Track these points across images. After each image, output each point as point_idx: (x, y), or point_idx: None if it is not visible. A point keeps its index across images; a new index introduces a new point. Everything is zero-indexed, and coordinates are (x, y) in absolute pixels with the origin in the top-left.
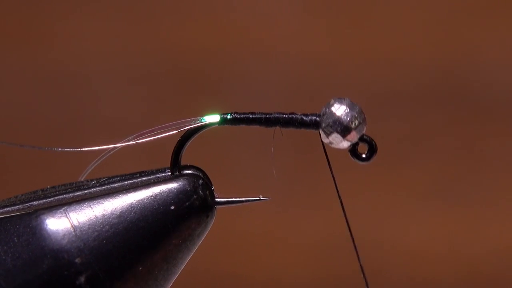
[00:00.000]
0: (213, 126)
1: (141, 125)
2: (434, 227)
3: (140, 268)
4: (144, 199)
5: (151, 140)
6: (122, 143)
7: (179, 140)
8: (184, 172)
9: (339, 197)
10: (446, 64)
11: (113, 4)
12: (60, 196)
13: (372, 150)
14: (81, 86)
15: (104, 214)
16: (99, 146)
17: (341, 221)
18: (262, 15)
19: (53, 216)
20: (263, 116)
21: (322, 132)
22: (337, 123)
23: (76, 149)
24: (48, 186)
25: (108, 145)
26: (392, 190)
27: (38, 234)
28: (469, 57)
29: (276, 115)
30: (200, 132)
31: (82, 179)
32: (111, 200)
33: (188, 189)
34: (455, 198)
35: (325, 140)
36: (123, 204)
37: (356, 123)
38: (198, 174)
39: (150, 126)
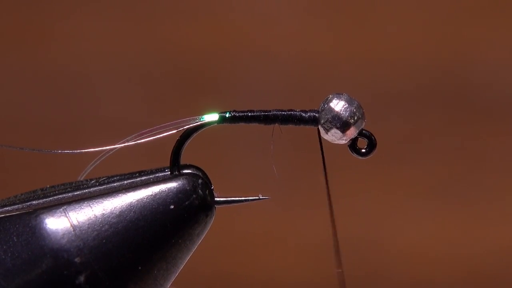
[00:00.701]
0: (212, 125)
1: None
2: (433, 227)
3: (140, 268)
4: (144, 198)
5: (150, 140)
6: (120, 144)
7: (178, 139)
8: (184, 171)
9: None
10: (446, 64)
11: (113, 4)
12: (60, 196)
13: (372, 144)
14: (81, 86)
15: (103, 213)
16: (98, 148)
17: (341, 221)
18: (262, 15)
19: (52, 216)
20: (262, 113)
21: (321, 128)
22: (336, 118)
23: (75, 151)
24: (48, 186)
25: (108, 145)
26: (392, 190)
27: (37, 233)
28: (469, 57)
29: (274, 112)
30: (199, 131)
31: (81, 179)
32: (110, 199)
33: (188, 188)
34: (455, 198)
35: (325, 136)
36: (123, 204)
37: (355, 118)
38: (197, 173)
39: (150, 126)
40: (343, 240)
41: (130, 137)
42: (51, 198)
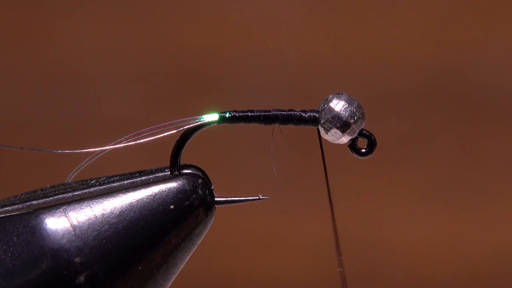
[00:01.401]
0: (212, 125)
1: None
2: (434, 227)
3: (140, 268)
4: (144, 198)
5: (150, 140)
6: (119, 144)
7: (178, 139)
8: (184, 171)
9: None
10: (446, 64)
11: (113, 4)
12: (60, 196)
13: (372, 144)
14: (81, 86)
15: (103, 213)
16: (97, 148)
17: (341, 220)
18: (262, 15)
19: (52, 216)
20: (262, 113)
21: (321, 128)
22: (336, 118)
23: (75, 151)
24: (48, 186)
25: (108, 144)
26: (392, 189)
27: (37, 233)
28: (469, 57)
29: (274, 112)
30: (199, 131)
31: (71, 178)
32: (110, 199)
33: (188, 188)
34: (455, 198)
35: (325, 136)
36: (123, 204)
37: (355, 118)
38: (197, 173)
39: (150, 126)
40: (343, 240)
41: (128, 135)
42: (51, 198)
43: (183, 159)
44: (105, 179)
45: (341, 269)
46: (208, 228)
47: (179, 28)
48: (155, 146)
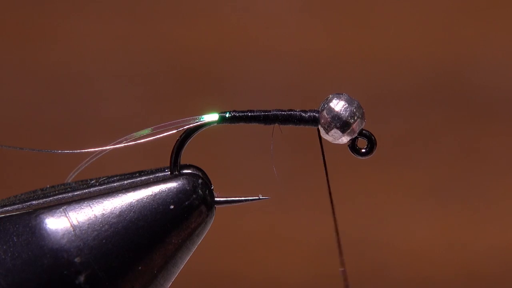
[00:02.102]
0: (212, 125)
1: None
2: (434, 227)
3: (140, 268)
4: (144, 198)
5: (150, 140)
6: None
7: (178, 139)
8: (184, 171)
9: (329, 192)
10: (446, 64)
11: (114, 4)
12: (60, 196)
13: (372, 144)
14: (81, 86)
15: (103, 213)
16: (97, 148)
17: (341, 220)
18: (262, 15)
19: (52, 216)
20: (262, 113)
21: (321, 128)
22: (336, 118)
23: (75, 151)
24: (48, 186)
25: (108, 144)
26: (392, 190)
27: (37, 233)
28: (469, 57)
29: (274, 112)
30: (199, 131)
31: (71, 178)
32: (110, 199)
33: (188, 188)
34: (455, 198)
35: (325, 136)
36: (123, 204)
37: (355, 118)
38: (197, 173)
39: (150, 126)
40: (343, 240)
41: (128, 136)
42: (51, 198)
43: (183, 159)
44: (105, 179)
45: (342, 269)
46: (208, 228)
47: (179, 28)
48: (155, 146)
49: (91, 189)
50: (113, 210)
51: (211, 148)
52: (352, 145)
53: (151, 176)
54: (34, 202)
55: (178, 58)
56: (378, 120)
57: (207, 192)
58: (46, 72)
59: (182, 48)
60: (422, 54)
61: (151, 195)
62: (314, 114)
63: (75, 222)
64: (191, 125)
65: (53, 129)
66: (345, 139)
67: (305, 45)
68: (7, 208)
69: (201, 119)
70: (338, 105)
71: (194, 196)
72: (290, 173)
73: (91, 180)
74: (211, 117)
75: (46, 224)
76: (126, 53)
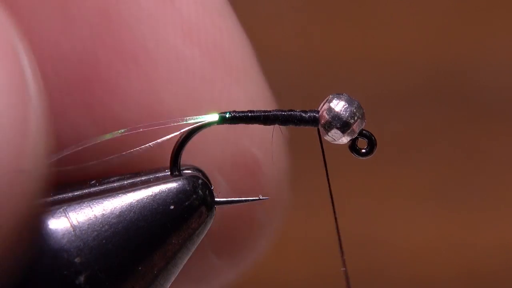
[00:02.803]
0: (212, 125)
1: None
2: (434, 226)
3: (140, 268)
4: (144, 198)
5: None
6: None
7: (178, 140)
8: (184, 172)
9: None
10: (447, 65)
11: None
12: (60, 196)
13: (372, 144)
14: None
15: (103, 213)
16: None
17: (341, 220)
18: (262, 15)
19: (52, 216)
20: (262, 114)
21: (322, 128)
22: (336, 118)
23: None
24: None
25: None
26: (392, 189)
27: (37, 233)
28: (470, 57)
29: (275, 112)
30: (199, 131)
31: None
32: (110, 199)
33: (188, 189)
34: (455, 198)
35: (325, 136)
36: (123, 204)
37: (355, 118)
38: (197, 174)
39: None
40: (344, 239)
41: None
42: (51, 198)
43: (183, 159)
44: (105, 179)
45: (344, 268)
46: (208, 228)
47: None
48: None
49: (91, 189)
50: (113, 211)
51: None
52: (352, 145)
53: (151, 176)
54: None
55: None
56: (378, 120)
57: (207, 192)
58: None
59: None
60: (422, 54)
61: (151, 196)
62: (314, 114)
63: (75, 222)
64: (191, 125)
65: None
66: (345, 139)
67: (305, 45)
68: None
69: (201, 119)
70: (338, 105)
71: (194, 196)
72: (290, 173)
73: (91, 180)
74: (211, 117)
75: (46, 224)
76: None
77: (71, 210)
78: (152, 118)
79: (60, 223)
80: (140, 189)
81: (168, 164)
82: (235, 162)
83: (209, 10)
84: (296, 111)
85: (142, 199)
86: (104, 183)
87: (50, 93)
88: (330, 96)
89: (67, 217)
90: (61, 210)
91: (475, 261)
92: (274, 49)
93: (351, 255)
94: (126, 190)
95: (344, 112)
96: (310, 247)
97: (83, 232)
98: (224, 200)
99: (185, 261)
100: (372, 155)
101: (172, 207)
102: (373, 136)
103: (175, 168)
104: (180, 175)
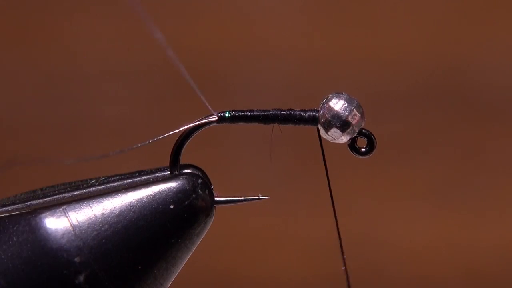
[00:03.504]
0: (212, 125)
1: (141, 125)
2: (434, 226)
3: (139, 267)
4: (143, 198)
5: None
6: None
7: (178, 139)
8: (183, 171)
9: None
10: (446, 64)
11: (114, 4)
12: (59, 195)
13: (372, 143)
14: (81, 86)
15: (103, 213)
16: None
17: (341, 220)
18: (262, 15)
19: (52, 215)
20: (261, 113)
21: (321, 128)
22: (336, 117)
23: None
24: (48, 186)
25: (108, 144)
26: (392, 189)
27: (37, 233)
28: (469, 57)
29: (274, 111)
30: (199, 131)
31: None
32: (110, 199)
33: (187, 188)
34: (454, 198)
35: (324, 136)
36: (122, 203)
37: (355, 117)
38: (197, 173)
39: (150, 125)
40: (343, 239)
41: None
42: (51, 198)
43: (183, 159)
44: (105, 179)
45: (344, 268)
46: (208, 228)
47: (179, 28)
48: (155, 146)
49: (91, 189)
50: (113, 210)
51: (211, 148)
52: (352, 145)
53: (150, 176)
54: (34, 202)
55: (179, 58)
56: (378, 119)
57: (207, 192)
58: (46, 72)
59: (182, 48)
60: (422, 54)
61: (150, 195)
62: (314, 113)
63: (75, 222)
64: (191, 124)
65: (53, 128)
66: (345, 139)
67: (305, 45)
68: (7, 208)
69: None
70: (337, 104)
71: (194, 196)
72: (290, 172)
73: (91, 180)
74: (211, 116)
75: (46, 224)
76: (126, 53)
77: (71, 210)
78: None
79: (59, 223)
80: (139, 188)
81: (168, 163)
82: None
83: None
84: (295, 110)
85: (141, 199)
86: (103, 183)
87: None
88: (330, 95)
89: (67, 217)
90: (61, 209)
91: (475, 261)
92: (274, 49)
93: (351, 255)
94: (126, 189)
95: (343, 111)
96: (310, 247)
97: (83, 231)
98: (223, 200)
99: (185, 261)
100: (371, 154)
101: (171, 206)
102: (373, 135)
103: (174, 167)
104: (179, 174)
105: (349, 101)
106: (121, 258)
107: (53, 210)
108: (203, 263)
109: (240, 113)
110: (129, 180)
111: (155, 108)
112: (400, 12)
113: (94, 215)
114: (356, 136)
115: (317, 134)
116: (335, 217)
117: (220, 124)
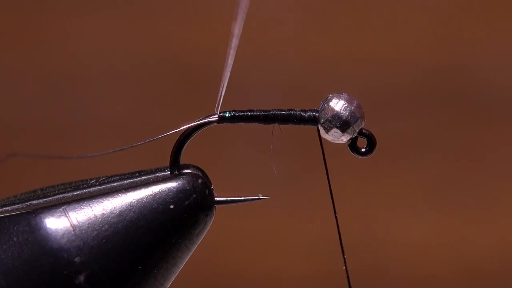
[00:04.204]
0: (212, 125)
1: (141, 125)
2: (434, 226)
3: (139, 267)
4: (144, 198)
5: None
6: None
7: (178, 139)
8: (184, 171)
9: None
10: (446, 64)
11: (113, 4)
12: (60, 195)
13: (372, 144)
14: (81, 86)
15: (103, 213)
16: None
17: (341, 220)
18: (262, 15)
19: (52, 215)
20: (262, 113)
21: (321, 128)
22: (336, 118)
23: (81, 156)
24: (48, 186)
25: (108, 144)
26: (392, 189)
27: (37, 233)
28: (469, 57)
29: (274, 111)
30: (199, 131)
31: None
32: (110, 199)
33: (188, 188)
34: (455, 197)
35: (325, 136)
36: (123, 203)
37: (355, 118)
38: (197, 173)
39: (150, 125)
40: (343, 239)
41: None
42: (51, 198)
43: (183, 158)
44: (105, 179)
45: (345, 267)
46: (208, 228)
47: (179, 28)
48: (155, 145)
49: (91, 189)
50: (113, 210)
51: (211, 148)
52: (352, 145)
53: (151, 176)
54: (34, 202)
55: (178, 58)
56: (378, 119)
57: (207, 192)
58: (46, 72)
59: (182, 48)
60: (422, 54)
61: (151, 195)
62: (314, 113)
63: (75, 222)
64: (191, 124)
65: (53, 128)
66: (345, 139)
67: (305, 45)
68: (7, 208)
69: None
70: (338, 104)
71: (194, 196)
72: (290, 172)
73: (91, 180)
74: (211, 116)
75: (46, 223)
76: (126, 53)
77: (71, 210)
78: None
79: (60, 223)
80: (140, 188)
81: (168, 163)
82: None
83: None
84: (296, 110)
85: (142, 199)
86: (104, 183)
87: None
88: (330, 95)
89: (67, 217)
90: (61, 209)
91: (475, 261)
92: (274, 49)
93: (351, 255)
94: (126, 189)
95: (344, 111)
96: (310, 247)
97: (83, 231)
98: (224, 200)
99: (185, 261)
100: (372, 154)
101: (172, 206)
102: (373, 135)
103: (174, 167)
104: (180, 174)
105: (349, 101)
106: (121, 258)
107: (53, 210)
108: (203, 263)
109: (240, 113)
110: (129, 180)
111: (155, 108)
112: (400, 12)
113: (94, 215)
114: (356, 136)
115: (317, 134)
116: (335, 216)
117: (220, 124)
